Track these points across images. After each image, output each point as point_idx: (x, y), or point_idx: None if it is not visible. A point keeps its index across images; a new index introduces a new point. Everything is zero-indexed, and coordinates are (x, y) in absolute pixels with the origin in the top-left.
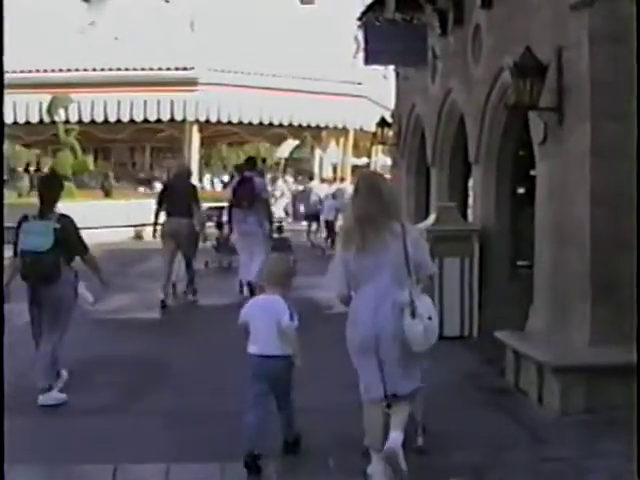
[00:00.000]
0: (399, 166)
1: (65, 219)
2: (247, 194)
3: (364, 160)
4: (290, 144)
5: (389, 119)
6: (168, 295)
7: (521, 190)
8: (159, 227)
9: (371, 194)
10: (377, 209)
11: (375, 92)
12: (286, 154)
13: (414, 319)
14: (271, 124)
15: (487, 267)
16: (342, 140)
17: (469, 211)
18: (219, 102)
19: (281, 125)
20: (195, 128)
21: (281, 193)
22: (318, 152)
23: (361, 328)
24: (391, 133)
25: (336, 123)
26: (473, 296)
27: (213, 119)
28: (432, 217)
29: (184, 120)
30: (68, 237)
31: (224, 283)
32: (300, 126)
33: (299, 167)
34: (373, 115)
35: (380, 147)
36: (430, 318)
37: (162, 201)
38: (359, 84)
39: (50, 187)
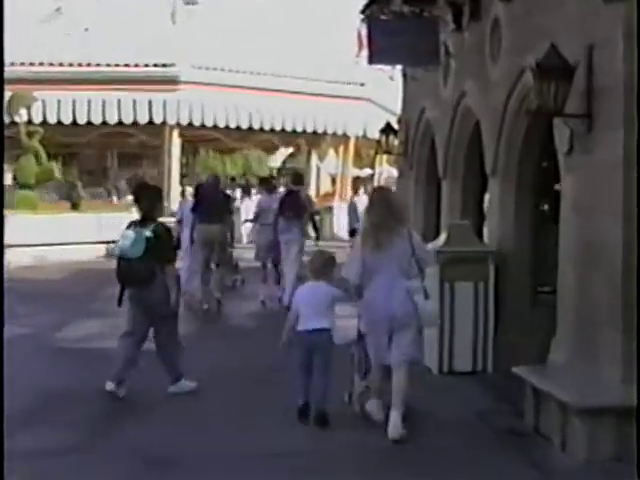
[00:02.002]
0: (406, 178)
1: (160, 227)
2: (292, 206)
3: (367, 171)
4: (283, 152)
5: (395, 125)
6: (208, 300)
7: (544, 206)
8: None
9: (383, 204)
10: (388, 217)
11: (380, 95)
12: (279, 163)
13: (427, 300)
14: (262, 129)
15: (504, 293)
16: (342, 148)
17: (484, 230)
18: (203, 103)
19: (273, 130)
20: (176, 133)
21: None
22: (315, 162)
23: (378, 310)
24: (397, 141)
25: (335, 129)
26: (488, 326)
27: (196, 122)
28: (443, 237)
29: (164, 123)
30: (161, 245)
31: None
32: (294, 132)
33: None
34: (377, 120)
35: (385, 157)
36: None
37: (195, 210)
38: (362, 85)
39: (147, 195)
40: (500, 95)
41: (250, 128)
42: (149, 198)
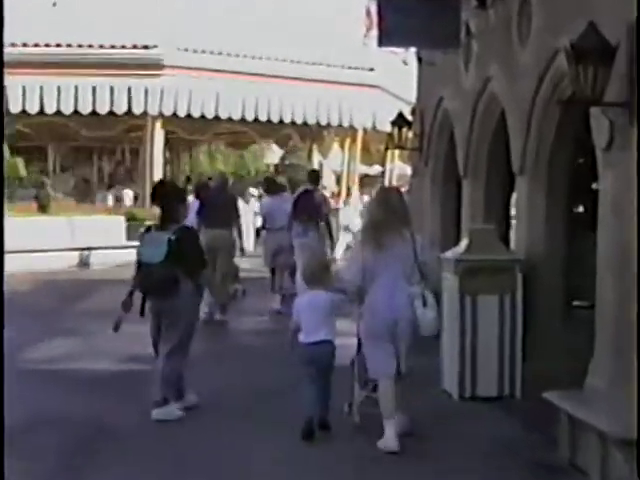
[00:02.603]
0: (421, 176)
1: (184, 230)
2: (308, 208)
3: (376, 168)
4: (281, 148)
5: (409, 116)
6: (213, 312)
7: (579, 209)
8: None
9: (386, 204)
10: (391, 217)
11: (391, 81)
12: (276, 160)
13: (425, 308)
14: (257, 121)
15: (534, 307)
16: (348, 142)
17: (511, 235)
18: (190, 91)
19: (270, 122)
20: (158, 124)
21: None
22: (317, 157)
23: (381, 313)
24: (411, 134)
25: (341, 120)
26: (515, 345)
27: (182, 113)
28: (463, 243)
29: (145, 113)
30: (185, 249)
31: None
32: (294, 124)
33: (293, 177)
34: (389, 111)
35: (397, 152)
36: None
37: (200, 213)
38: (371, 71)
39: (168, 196)
40: (529, 82)
41: (243, 119)
42: (169, 198)
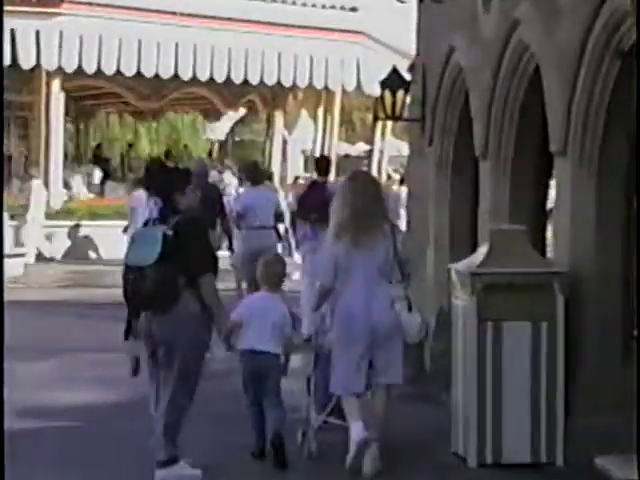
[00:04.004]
0: (423, 158)
1: (186, 222)
2: (317, 204)
3: (361, 147)
4: (231, 117)
5: (406, 74)
6: None
7: None
8: None
9: (363, 192)
10: (370, 208)
11: (382, 26)
12: (223, 135)
13: (410, 311)
14: (195, 79)
15: (581, 340)
16: (321, 111)
17: (549, 240)
18: (101, 36)
19: (213, 81)
20: (57, 84)
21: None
22: (280, 131)
23: (358, 318)
24: (409, 99)
25: (312, 80)
26: (555, 392)
27: (90, 69)
28: (482, 250)
29: (36, 68)
30: (184, 246)
31: None
32: (247, 84)
33: (246, 156)
34: (378, 66)
35: (389, 125)
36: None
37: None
38: (353, 11)
39: (164, 178)
40: (574, 27)
41: (176, 76)
42: (167, 182)
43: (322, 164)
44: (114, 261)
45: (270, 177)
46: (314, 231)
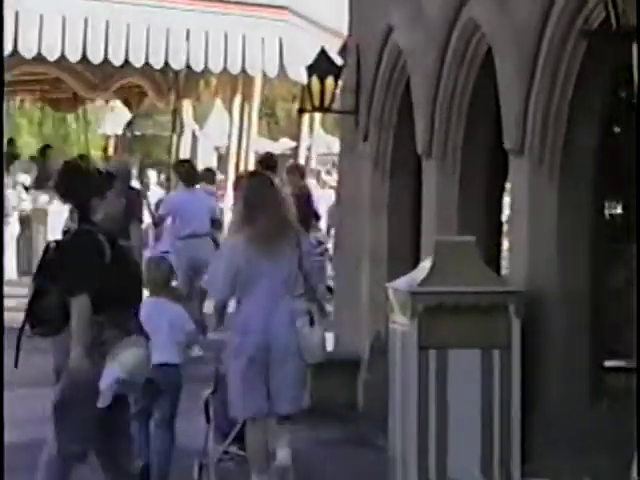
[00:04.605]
0: (357, 156)
1: (72, 234)
2: (302, 212)
3: (285, 143)
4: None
5: (337, 58)
6: None
7: (615, 209)
8: None
9: (265, 197)
10: (274, 214)
11: (307, 0)
12: (120, 129)
13: (312, 327)
14: (85, 59)
15: (540, 371)
16: (239, 100)
17: (504, 253)
18: None
19: (107, 62)
20: None
21: None
22: (189, 124)
23: (253, 335)
24: (340, 88)
25: (227, 63)
26: (510, 433)
27: None
28: (426, 264)
29: None
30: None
31: None
32: (148, 66)
33: (148, 153)
34: (304, 48)
35: (318, 117)
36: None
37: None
38: None
39: (79, 185)
40: (533, 2)
41: (63, 57)
42: (85, 186)
43: (268, 164)
44: None
45: (209, 179)
46: None
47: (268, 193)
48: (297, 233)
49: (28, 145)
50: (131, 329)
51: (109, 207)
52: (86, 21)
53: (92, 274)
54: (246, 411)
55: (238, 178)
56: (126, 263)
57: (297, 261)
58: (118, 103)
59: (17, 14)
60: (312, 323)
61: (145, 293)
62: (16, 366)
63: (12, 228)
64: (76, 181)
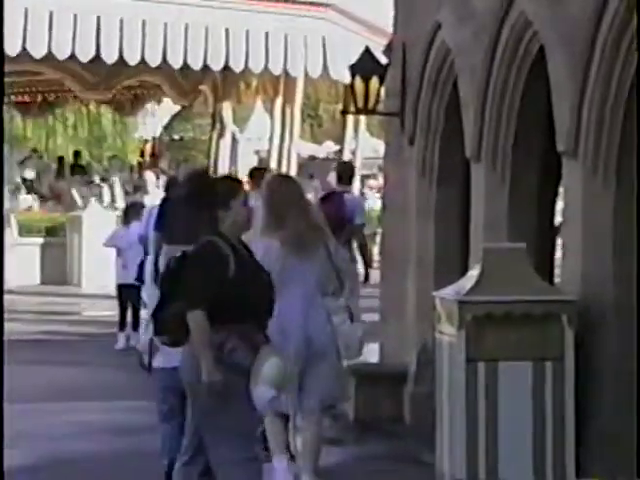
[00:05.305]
0: (402, 161)
1: (196, 247)
2: (331, 217)
3: (328, 147)
4: (167, 109)
5: (382, 57)
6: None
7: None
8: None
9: (293, 198)
10: (306, 218)
11: None
12: (157, 131)
13: (352, 323)
14: (122, 61)
15: (596, 385)
16: (280, 101)
17: (558, 261)
18: None
19: (144, 63)
20: None
21: None
22: (229, 126)
23: (290, 334)
24: (385, 88)
25: (267, 63)
26: (564, 449)
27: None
28: (474, 272)
29: None
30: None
31: None
32: (187, 68)
33: (187, 157)
34: (347, 47)
35: (363, 119)
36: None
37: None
38: None
39: (214, 194)
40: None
41: (98, 56)
42: (214, 197)
43: (343, 169)
44: None
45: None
46: None
47: (295, 195)
48: (324, 233)
49: (61, 148)
50: (257, 340)
51: (235, 216)
52: (122, 21)
53: (210, 288)
54: (271, 406)
55: (252, 172)
56: (252, 273)
57: (329, 260)
58: (156, 106)
59: (76, 17)
60: (352, 319)
61: None
62: (149, 371)
63: None
64: (205, 190)
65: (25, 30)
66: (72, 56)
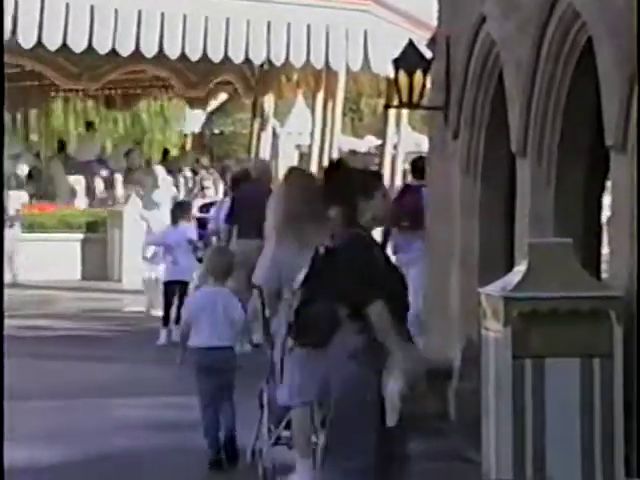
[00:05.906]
0: (446, 156)
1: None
2: (411, 211)
3: (370, 141)
4: (210, 104)
5: (425, 51)
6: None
7: None
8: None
9: (307, 193)
10: (318, 209)
11: None
12: (197, 126)
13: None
14: (162, 54)
15: None
16: (322, 95)
17: (604, 257)
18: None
19: (185, 57)
20: None
21: None
22: (270, 120)
23: None
24: (430, 82)
25: (309, 57)
26: (613, 448)
27: (26, 43)
28: (520, 268)
29: None
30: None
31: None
32: (228, 61)
33: (227, 152)
34: (390, 40)
35: (405, 113)
36: None
37: (231, 219)
38: None
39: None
40: None
41: (138, 50)
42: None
43: (418, 164)
44: None
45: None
46: (407, 241)
47: (310, 190)
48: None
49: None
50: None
51: (376, 209)
52: (162, 15)
53: (379, 279)
54: (300, 397)
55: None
56: (393, 267)
57: None
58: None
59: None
60: None
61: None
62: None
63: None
64: (342, 181)
65: (92, 26)
66: (137, 51)
